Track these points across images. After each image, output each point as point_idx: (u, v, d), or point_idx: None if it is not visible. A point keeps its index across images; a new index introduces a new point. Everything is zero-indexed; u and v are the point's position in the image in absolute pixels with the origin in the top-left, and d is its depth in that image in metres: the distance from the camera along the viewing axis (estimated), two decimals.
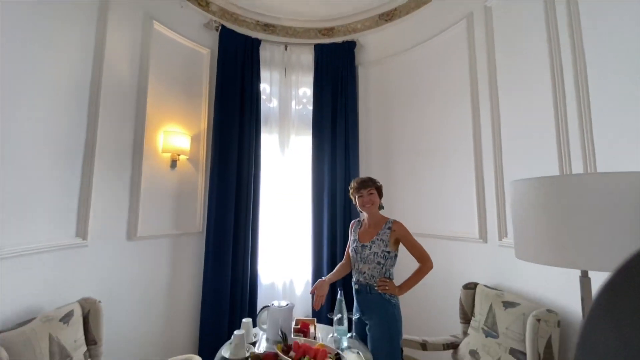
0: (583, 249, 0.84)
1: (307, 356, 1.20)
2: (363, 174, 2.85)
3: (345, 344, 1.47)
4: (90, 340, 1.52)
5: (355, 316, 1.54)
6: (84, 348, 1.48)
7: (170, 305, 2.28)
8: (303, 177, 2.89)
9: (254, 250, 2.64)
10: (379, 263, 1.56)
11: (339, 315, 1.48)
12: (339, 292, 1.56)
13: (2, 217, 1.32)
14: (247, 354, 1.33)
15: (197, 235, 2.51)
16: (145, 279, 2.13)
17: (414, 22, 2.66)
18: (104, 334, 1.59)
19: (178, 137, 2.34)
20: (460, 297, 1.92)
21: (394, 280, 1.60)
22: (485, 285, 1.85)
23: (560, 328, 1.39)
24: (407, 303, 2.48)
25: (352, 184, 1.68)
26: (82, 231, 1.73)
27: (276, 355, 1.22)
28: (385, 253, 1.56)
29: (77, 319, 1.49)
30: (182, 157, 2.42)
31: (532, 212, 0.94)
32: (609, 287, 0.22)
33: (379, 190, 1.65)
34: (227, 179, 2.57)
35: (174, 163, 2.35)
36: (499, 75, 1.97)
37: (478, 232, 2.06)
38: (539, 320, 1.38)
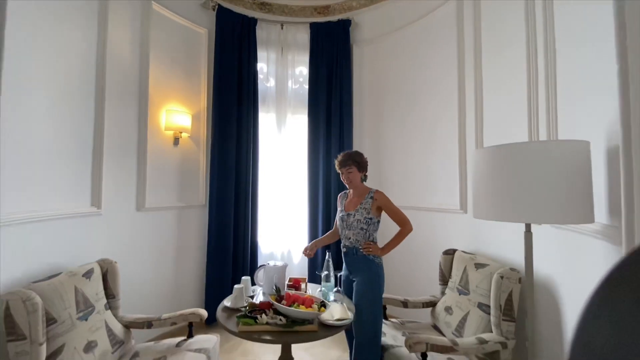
0: (525, 205, 0.99)
1: (296, 303, 1.39)
2: (356, 149, 2.98)
3: (331, 297, 1.67)
4: (109, 294, 1.74)
5: (341, 273, 1.73)
6: (104, 300, 1.70)
7: (178, 269, 2.51)
8: (299, 154, 3.03)
9: (254, 222, 2.84)
10: (362, 229, 1.72)
11: (325, 272, 1.67)
12: (327, 253, 1.75)
13: (30, 187, 1.50)
14: (245, 304, 1.54)
15: (200, 208, 2.71)
16: (155, 245, 2.34)
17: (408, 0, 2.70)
18: (121, 289, 1.81)
19: (179, 115, 2.47)
20: (440, 262, 2.11)
21: (378, 243, 1.77)
22: (463, 251, 2.03)
23: (521, 284, 1.57)
24: (393, 268, 2.71)
25: (336, 159, 1.81)
26: (96, 201, 1.91)
27: (270, 303, 1.43)
28: (368, 219, 1.71)
29: (97, 276, 1.69)
30: (184, 135, 2.57)
31: (484, 176, 1.09)
32: (608, 282, 0.22)
33: (360, 165, 1.75)
34: (227, 156, 2.73)
35: (176, 140, 2.50)
36: (484, 52, 2.05)
37: (459, 203, 2.22)
38: (502, 277, 1.56)
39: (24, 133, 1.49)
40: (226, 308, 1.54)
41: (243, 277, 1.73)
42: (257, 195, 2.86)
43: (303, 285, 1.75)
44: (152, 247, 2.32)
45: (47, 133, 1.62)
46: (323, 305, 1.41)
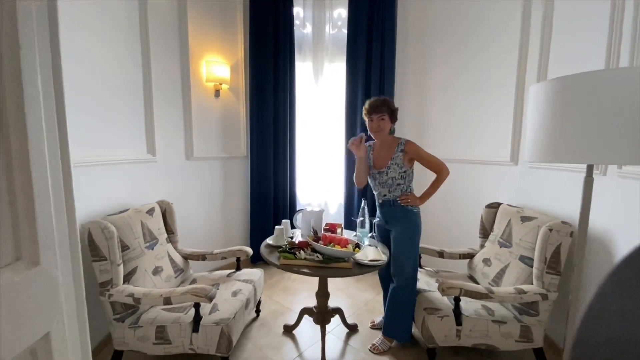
0: (587, 144, 0.88)
1: (332, 243, 1.47)
2: (397, 102, 2.82)
3: (366, 241, 1.73)
4: (169, 230, 1.98)
5: (375, 220, 1.76)
6: (165, 235, 1.94)
7: (226, 213, 2.75)
8: (337, 105, 2.95)
9: (292, 173, 2.93)
10: (398, 185, 1.65)
11: (361, 219, 1.71)
12: (363, 201, 1.77)
13: (94, 136, 1.68)
14: (286, 242, 1.66)
15: (242, 159, 2.85)
16: (204, 191, 2.56)
17: None
18: (178, 226, 2.04)
19: (219, 66, 2.50)
20: (482, 215, 2.03)
21: (414, 192, 1.73)
22: (508, 205, 1.93)
23: (572, 239, 1.47)
24: (432, 219, 2.68)
25: (366, 105, 1.64)
26: (151, 149, 2.09)
27: (308, 242, 1.52)
28: (402, 174, 1.63)
29: (158, 213, 1.92)
30: (224, 87, 2.62)
31: (546, 113, 0.97)
32: (628, 261, 0.22)
33: (393, 114, 1.62)
34: (265, 108, 2.75)
35: (217, 92, 2.56)
36: None
37: (510, 155, 2.05)
38: (550, 229, 1.47)
39: (82, 85, 1.63)
40: (269, 245, 1.68)
41: (283, 220, 1.84)
42: (295, 147, 2.91)
43: (339, 230, 1.82)
44: (202, 193, 2.54)
45: (102, 83, 1.75)
46: (358, 246, 1.47)
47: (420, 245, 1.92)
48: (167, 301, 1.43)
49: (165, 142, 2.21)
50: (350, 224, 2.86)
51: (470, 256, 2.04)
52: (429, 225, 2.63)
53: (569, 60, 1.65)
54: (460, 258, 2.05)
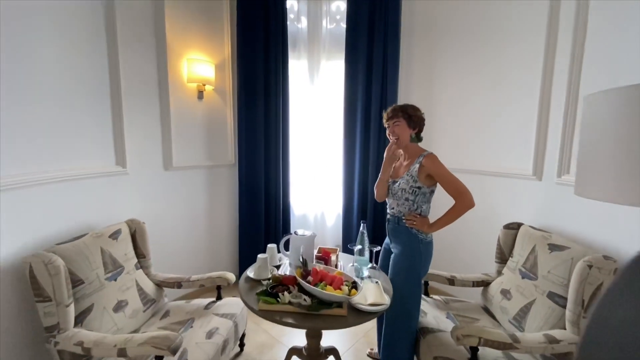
0: None
1: (323, 282, 1.21)
2: (403, 102, 2.55)
3: (365, 273, 1.47)
4: (140, 254, 1.73)
5: (377, 248, 1.50)
6: (134, 260, 1.69)
7: (211, 228, 2.50)
8: (335, 107, 2.69)
9: (286, 182, 2.67)
10: (407, 199, 1.43)
11: (359, 247, 1.45)
12: (362, 224, 1.51)
13: (51, 148, 1.42)
14: (270, 275, 1.40)
15: (230, 167, 2.59)
16: (186, 205, 2.30)
17: None
18: (151, 249, 1.79)
19: (202, 65, 2.23)
20: (499, 237, 1.77)
21: (430, 217, 1.46)
22: (530, 226, 1.66)
23: None
24: (438, 240, 2.41)
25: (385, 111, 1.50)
26: (120, 160, 1.84)
27: (295, 278, 1.26)
28: (415, 189, 1.40)
29: (126, 236, 1.67)
30: (208, 88, 2.36)
31: (606, 133, 0.70)
32: (634, 264, 0.23)
33: (411, 120, 1.42)
34: (255, 110, 2.49)
35: (200, 94, 2.30)
36: None
37: (532, 168, 1.78)
38: (590, 266, 1.21)
39: (32, 87, 1.37)
40: (249, 279, 1.42)
41: (269, 245, 1.58)
42: (289, 153, 2.65)
43: (333, 257, 1.56)
44: (184, 207, 2.29)
45: (58, 87, 1.49)
46: (354, 286, 1.21)
47: (431, 271, 1.68)
48: (121, 352, 1.18)
49: (139, 150, 1.96)
50: (349, 238, 2.60)
51: (485, 284, 1.78)
52: (436, 245, 2.35)
53: (609, 69, 1.37)
54: (473, 286, 1.79)
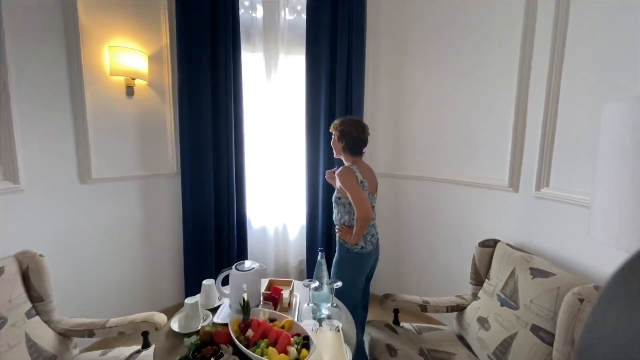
0: None
1: (265, 339, 0.92)
2: (369, 105, 2.33)
3: (324, 312, 1.20)
4: (35, 297, 1.33)
5: (337, 284, 1.23)
6: (27, 306, 1.29)
7: (147, 252, 2.10)
8: (295, 107, 2.39)
9: (240, 191, 2.34)
10: (335, 209, 1.55)
11: (315, 284, 1.17)
12: (320, 253, 1.24)
13: None
14: (200, 327, 1.09)
15: (171, 177, 2.20)
16: (111, 224, 1.89)
17: None
18: (57, 288, 1.40)
19: (131, 55, 1.84)
20: (474, 255, 1.59)
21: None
22: (508, 245, 1.49)
23: None
24: (408, 258, 2.23)
25: None
26: (10, 173, 1.41)
27: (229, 336, 0.96)
28: (337, 199, 1.52)
29: (12, 276, 1.26)
30: (140, 83, 1.96)
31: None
32: (626, 269, 0.24)
33: (341, 134, 1.51)
34: (201, 110, 2.13)
35: (129, 89, 1.90)
36: None
37: (508, 179, 1.62)
38: (581, 300, 1.03)
39: None
40: (174, 334, 1.09)
41: (204, 282, 1.26)
42: (243, 158, 2.31)
43: (286, 294, 1.27)
44: (110, 228, 1.88)
45: None
46: (306, 344, 0.93)
47: (401, 296, 1.58)
48: None
49: (42, 161, 1.54)
50: (313, 252, 2.33)
51: (460, 308, 1.59)
52: (406, 265, 2.18)
53: (593, 73, 1.21)
54: (447, 311, 1.59)
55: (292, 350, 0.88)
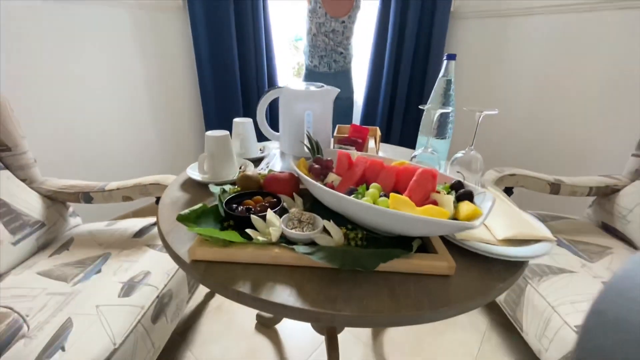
0: None
1: (375, 185, 0.43)
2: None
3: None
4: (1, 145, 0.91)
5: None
6: None
7: (154, 107, 1.61)
8: None
9: (266, 18, 1.66)
10: None
11: (430, 105, 0.63)
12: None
13: None
14: (234, 176, 0.62)
15: (176, 12, 1.55)
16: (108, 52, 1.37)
17: None
18: (24, 137, 0.96)
19: None
20: None
21: None
22: None
23: None
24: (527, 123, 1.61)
25: None
26: None
27: (296, 180, 0.48)
28: None
29: None
30: None
31: None
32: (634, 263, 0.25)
33: None
34: None
35: None
36: None
37: None
38: None
39: None
40: (191, 182, 0.64)
41: (235, 120, 0.75)
42: None
43: (372, 144, 0.75)
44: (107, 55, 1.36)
45: None
46: (466, 195, 0.43)
47: (523, 172, 1.04)
48: None
49: None
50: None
51: (610, 191, 1.07)
52: (520, 136, 1.50)
53: None
54: (589, 194, 1.08)
55: (447, 199, 0.39)
